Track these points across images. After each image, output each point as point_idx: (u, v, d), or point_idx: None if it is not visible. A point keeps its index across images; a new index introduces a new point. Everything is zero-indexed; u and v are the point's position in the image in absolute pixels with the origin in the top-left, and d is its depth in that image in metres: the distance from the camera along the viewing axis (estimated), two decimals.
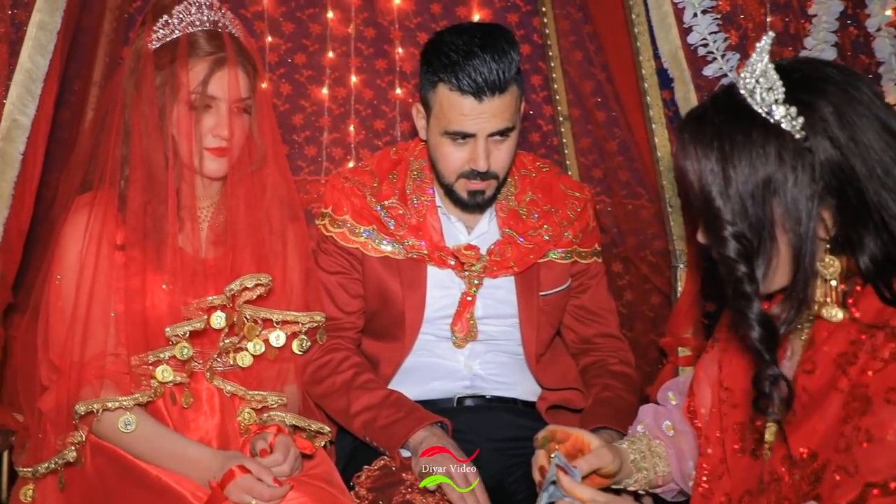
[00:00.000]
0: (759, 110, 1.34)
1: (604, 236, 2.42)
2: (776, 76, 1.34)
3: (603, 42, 2.39)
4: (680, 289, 2.25)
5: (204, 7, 1.88)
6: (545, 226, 2.11)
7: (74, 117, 2.18)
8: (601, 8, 2.33)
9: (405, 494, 1.77)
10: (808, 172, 1.33)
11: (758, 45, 1.38)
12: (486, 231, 2.11)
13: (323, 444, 2.00)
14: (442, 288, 2.09)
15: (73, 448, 1.79)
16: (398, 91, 2.63)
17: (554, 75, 2.64)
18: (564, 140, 2.66)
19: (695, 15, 2.01)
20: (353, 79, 2.62)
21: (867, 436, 1.25)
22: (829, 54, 2.03)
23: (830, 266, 1.37)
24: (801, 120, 1.31)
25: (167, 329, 1.80)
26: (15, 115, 1.78)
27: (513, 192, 2.14)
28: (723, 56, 2.00)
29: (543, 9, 2.63)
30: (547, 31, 2.64)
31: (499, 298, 2.10)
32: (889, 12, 2.06)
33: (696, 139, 1.39)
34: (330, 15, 2.59)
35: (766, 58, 1.35)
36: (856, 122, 1.33)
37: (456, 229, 2.10)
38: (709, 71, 2.03)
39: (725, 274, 1.39)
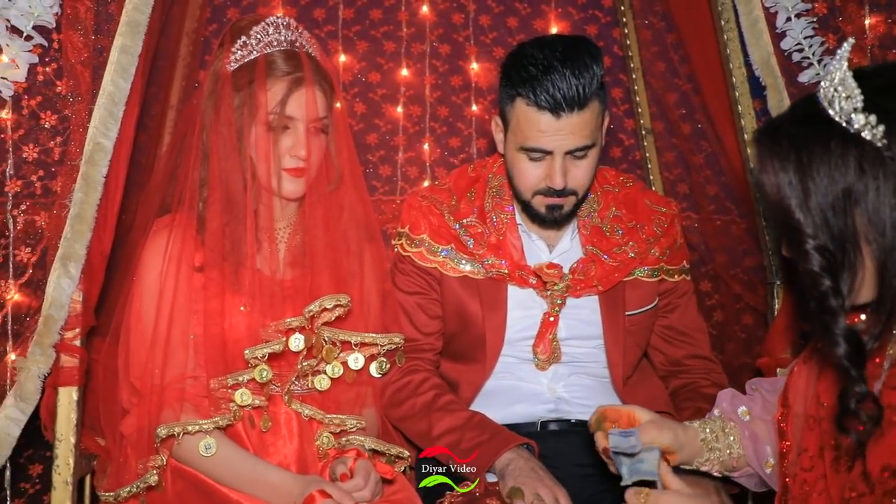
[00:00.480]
0: (839, 119, 1.35)
1: (692, 254, 2.37)
2: (854, 84, 1.34)
3: (688, 51, 2.35)
4: (777, 306, 2.19)
5: (281, 27, 1.90)
6: (631, 242, 2.09)
7: (151, 141, 2.21)
8: (686, 15, 2.29)
9: None
10: (891, 182, 1.32)
11: (837, 51, 1.39)
12: (568, 249, 2.10)
13: (403, 469, 2.00)
14: (523, 308, 2.07)
15: (154, 472, 1.82)
16: (474, 108, 2.63)
17: (636, 87, 2.63)
18: (648, 154, 2.64)
19: (788, 19, 1.96)
20: (428, 96, 2.63)
21: None
22: None
23: None
24: (881, 128, 1.32)
25: (246, 352, 1.82)
26: (98, 138, 1.80)
27: (595, 208, 2.13)
28: (819, 61, 1.93)
29: (624, 19, 2.63)
30: (628, 42, 2.63)
31: (583, 319, 2.08)
32: None
33: (773, 151, 1.41)
34: (404, 32, 2.60)
35: (845, 65, 1.36)
36: None
37: (537, 248, 2.09)
38: (804, 77, 1.96)
39: (809, 288, 1.39)
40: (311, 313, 1.86)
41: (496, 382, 2.08)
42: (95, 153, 1.81)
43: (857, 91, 1.35)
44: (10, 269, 1.84)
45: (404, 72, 2.63)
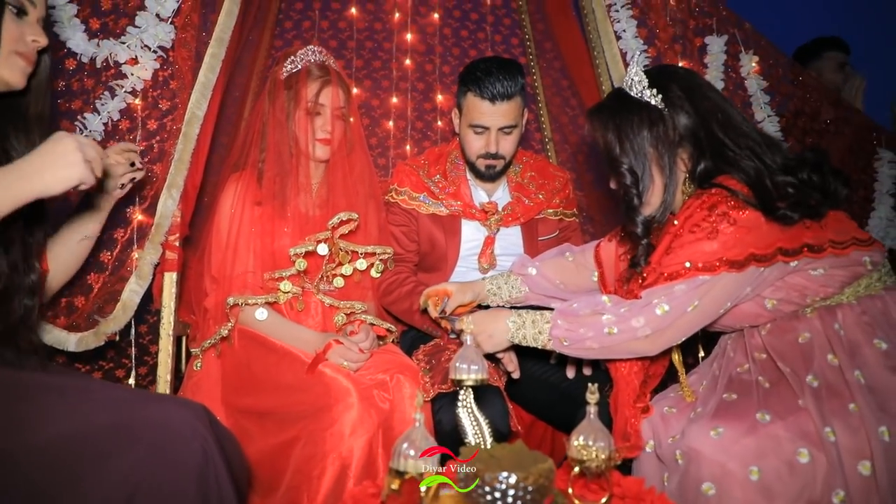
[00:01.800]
0: (635, 95, 1.48)
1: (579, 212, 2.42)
2: (642, 73, 1.50)
3: (575, 82, 2.42)
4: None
5: (316, 52, 1.95)
6: (541, 193, 2.12)
7: (229, 129, 2.24)
8: (574, 57, 2.36)
9: (449, 358, 1.77)
10: (668, 130, 1.43)
11: (632, 59, 1.54)
12: (501, 196, 2.12)
13: (392, 339, 2.01)
14: (472, 234, 2.08)
15: (225, 328, 1.81)
16: (439, 123, 2.65)
17: (542, 112, 2.68)
18: (550, 154, 2.68)
19: (633, 56, 2.06)
20: (409, 115, 2.65)
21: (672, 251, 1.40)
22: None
23: (688, 189, 1.49)
24: (660, 97, 1.41)
25: (290, 249, 1.83)
26: (194, 109, 1.81)
27: (518, 171, 2.15)
28: None
29: (533, 70, 2.69)
30: (536, 85, 2.68)
31: (511, 242, 2.09)
32: (754, 63, 2.14)
33: (599, 120, 1.54)
34: (395, 74, 2.64)
35: (638, 67, 1.51)
36: (696, 94, 1.48)
37: (480, 195, 2.11)
38: None
39: (623, 196, 1.51)
40: (332, 225, 1.87)
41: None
42: (191, 119, 1.82)
43: (645, 77, 1.47)
44: (136, 199, 1.84)
45: (394, 99, 2.66)
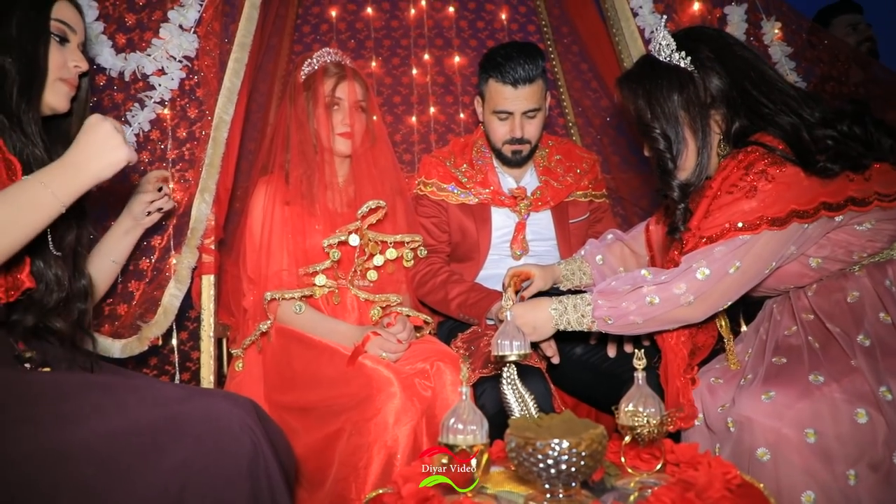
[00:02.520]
0: (664, 59, 1.45)
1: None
2: (670, 36, 1.47)
3: (596, 63, 2.40)
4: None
5: (331, 52, 2.00)
6: (569, 175, 2.11)
7: (256, 135, 2.26)
8: (592, 38, 2.34)
9: (488, 343, 1.75)
10: (700, 91, 1.39)
11: (657, 27, 1.51)
12: (529, 181, 2.12)
13: (429, 331, 2.00)
14: (502, 221, 2.08)
15: (266, 323, 1.82)
16: (461, 115, 2.65)
17: (563, 97, 2.66)
18: (575, 139, 2.65)
19: (651, 32, 2.03)
20: (432, 109, 2.65)
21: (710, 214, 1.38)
22: None
23: (723, 151, 1.46)
24: (689, 59, 1.39)
25: (324, 241, 1.85)
26: (221, 114, 1.85)
27: (545, 155, 2.15)
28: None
29: (552, 56, 2.67)
30: (556, 70, 2.67)
31: (542, 226, 2.09)
32: (777, 30, 2.10)
33: (629, 88, 1.51)
34: (414, 72, 2.64)
35: (665, 30, 1.48)
36: (727, 53, 1.44)
37: (508, 181, 2.11)
38: None
39: (658, 161, 1.48)
40: (362, 214, 1.89)
41: (486, 272, 2.08)
42: (219, 124, 1.86)
43: (672, 40, 1.43)
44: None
45: (415, 94, 2.64)
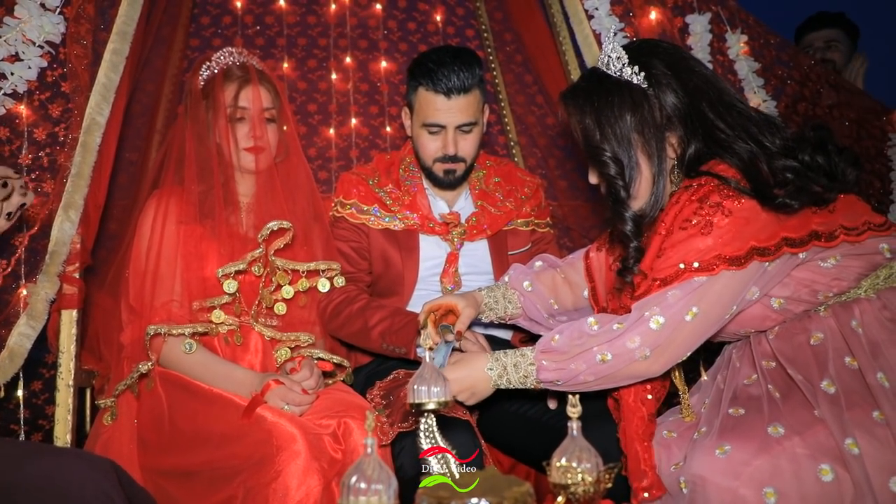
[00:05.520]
0: (614, 74, 1.47)
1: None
2: (621, 48, 1.49)
3: (540, 74, 2.46)
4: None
5: (234, 52, 1.96)
6: (509, 200, 2.09)
7: (139, 143, 2.21)
8: (534, 44, 2.40)
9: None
10: (654, 111, 1.43)
11: (607, 37, 1.53)
12: (463, 206, 2.08)
13: (343, 378, 1.95)
14: (432, 251, 2.04)
15: (146, 364, 1.73)
16: (388, 129, 2.63)
17: (504, 112, 2.68)
18: (517, 160, 2.67)
19: (607, 37, 2.11)
20: (353, 121, 2.62)
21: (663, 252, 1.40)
22: None
23: (677, 179, 1.49)
24: (642, 74, 1.43)
25: (218, 269, 1.78)
26: (94, 115, 1.78)
27: (481, 176, 2.12)
28: None
29: (493, 66, 2.71)
30: (497, 82, 2.68)
31: (477, 258, 2.05)
32: (742, 44, 2.20)
33: (575, 105, 1.53)
34: (333, 77, 2.63)
35: (615, 42, 1.51)
36: (683, 70, 1.48)
37: (439, 206, 2.07)
38: None
39: (608, 189, 1.50)
40: (263, 238, 1.83)
41: (412, 309, 2.00)
42: (91, 126, 1.80)
43: (624, 53, 1.49)
44: (23, 225, 1.79)
45: (333, 103, 2.62)
